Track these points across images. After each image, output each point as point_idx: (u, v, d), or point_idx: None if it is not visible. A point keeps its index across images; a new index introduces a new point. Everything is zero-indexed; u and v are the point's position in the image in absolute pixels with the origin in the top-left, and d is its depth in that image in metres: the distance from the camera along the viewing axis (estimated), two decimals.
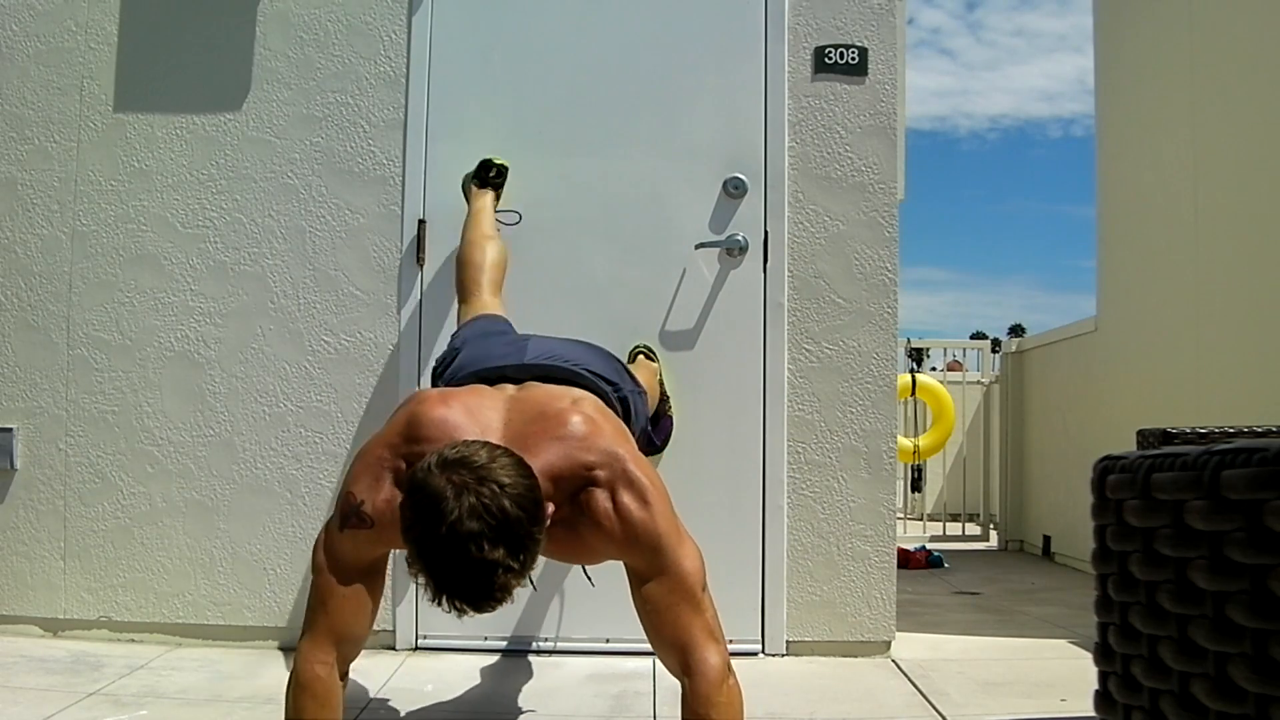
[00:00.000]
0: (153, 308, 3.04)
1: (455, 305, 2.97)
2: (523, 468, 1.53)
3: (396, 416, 1.78)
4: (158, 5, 3.09)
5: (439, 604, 1.47)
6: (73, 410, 3.03)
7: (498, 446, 1.55)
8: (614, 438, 1.73)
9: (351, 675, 2.65)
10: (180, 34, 3.07)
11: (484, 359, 2.06)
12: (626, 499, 1.65)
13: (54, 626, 2.99)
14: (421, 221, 3.00)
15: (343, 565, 1.68)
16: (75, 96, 3.08)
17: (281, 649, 2.91)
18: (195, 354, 3.02)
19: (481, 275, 2.62)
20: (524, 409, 1.76)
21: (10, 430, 3.02)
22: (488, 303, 2.57)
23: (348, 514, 1.66)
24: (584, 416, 1.72)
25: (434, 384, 2.23)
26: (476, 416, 1.71)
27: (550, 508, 1.58)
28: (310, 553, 1.83)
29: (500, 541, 1.44)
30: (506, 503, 1.45)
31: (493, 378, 1.95)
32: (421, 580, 1.48)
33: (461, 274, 2.68)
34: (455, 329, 2.53)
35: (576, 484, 1.66)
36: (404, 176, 3.01)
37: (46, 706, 2.30)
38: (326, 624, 1.69)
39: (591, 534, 1.67)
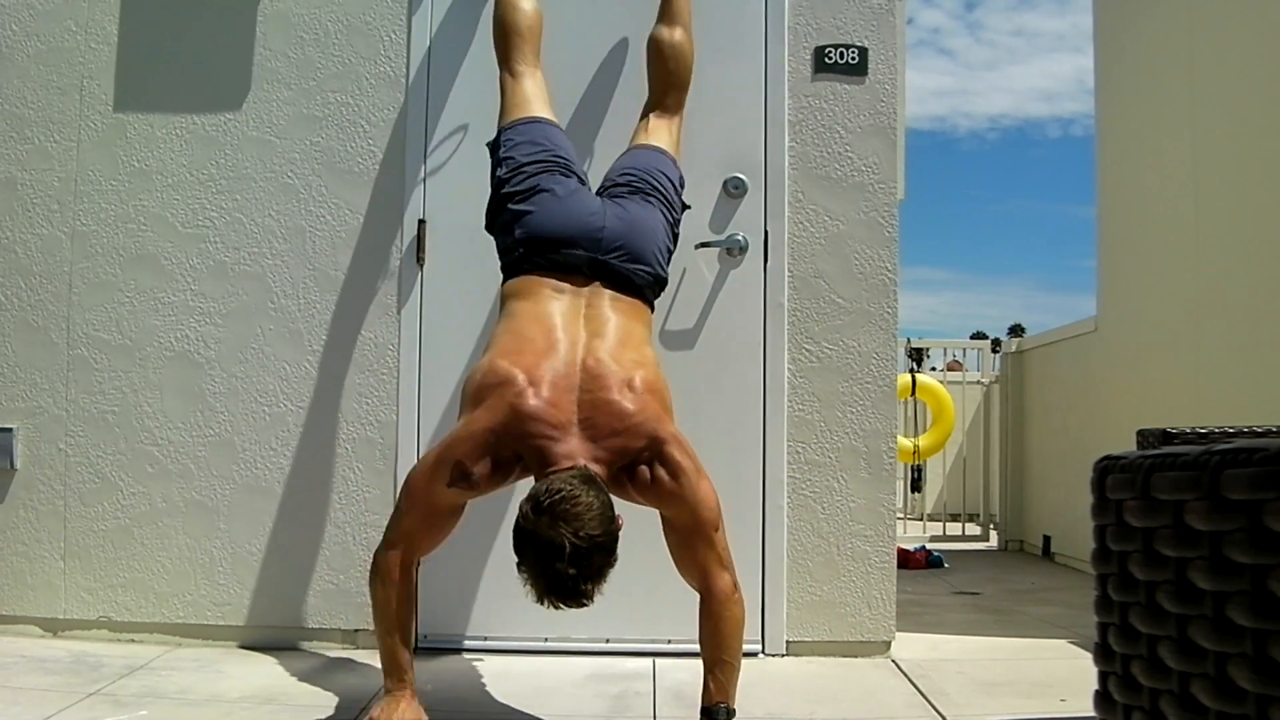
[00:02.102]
0: (153, 308, 3.03)
1: (457, 305, 2.98)
2: (607, 509, 1.99)
3: (496, 403, 2.13)
4: (158, 5, 3.09)
5: (541, 604, 1.97)
6: (73, 410, 3.03)
7: (591, 486, 1.99)
8: (658, 419, 2.17)
9: (353, 675, 2.67)
10: (180, 34, 3.07)
11: (563, 228, 2.40)
12: (661, 472, 2.13)
13: (54, 626, 2.99)
14: (421, 221, 3.00)
15: (437, 504, 2.18)
16: (75, 96, 3.08)
17: (282, 649, 2.91)
18: (195, 354, 3.02)
19: (523, 42, 2.69)
20: (593, 388, 2.16)
21: (10, 430, 3.02)
22: (529, 93, 2.64)
23: (458, 477, 2.12)
24: (639, 408, 2.15)
25: (496, 203, 2.52)
26: (560, 406, 2.12)
27: (620, 521, 2.03)
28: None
29: (590, 576, 1.94)
30: (595, 550, 1.93)
31: (569, 265, 2.38)
32: (529, 587, 1.96)
33: (500, 38, 2.72)
34: (503, 119, 2.62)
35: (626, 462, 2.13)
36: (404, 176, 3.01)
37: (46, 707, 2.30)
38: (413, 542, 2.19)
39: (634, 493, 2.16)
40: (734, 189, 2.96)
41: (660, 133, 2.70)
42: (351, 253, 3.02)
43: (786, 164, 2.97)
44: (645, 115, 2.76)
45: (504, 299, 2.43)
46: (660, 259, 2.48)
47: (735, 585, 2.17)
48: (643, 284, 2.43)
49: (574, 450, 2.08)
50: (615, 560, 1.99)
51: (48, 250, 3.06)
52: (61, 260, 3.06)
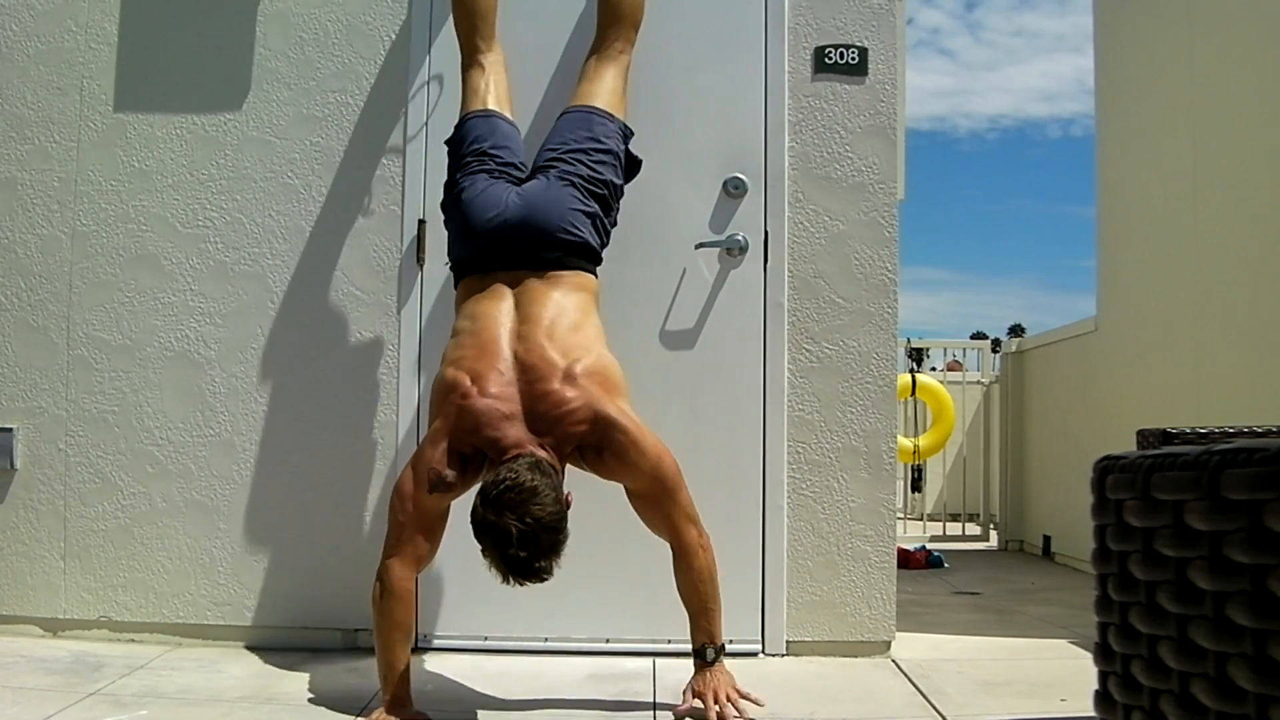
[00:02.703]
0: (153, 308, 3.04)
1: (455, 304, 2.98)
2: (552, 490, 2.15)
3: (447, 408, 2.31)
4: (158, 5, 3.10)
5: (506, 584, 2.15)
6: (73, 410, 3.03)
7: (536, 471, 2.15)
8: (598, 399, 2.30)
9: (353, 675, 2.67)
10: (180, 34, 3.08)
11: (472, 230, 2.52)
12: (608, 453, 2.30)
13: (54, 626, 2.99)
14: (421, 221, 3.00)
15: (425, 512, 2.30)
16: (75, 96, 3.08)
17: (282, 649, 2.91)
18: (195, 354, 3.02)
19: (481, 20, 2.76)
20: (531, 379, 2.31)
21: (10, 430, 3.02)
22: (478, 83, 2.73)
23: (436, 483, 2.28)
24: (578, 393, 2.29)
25: (447, 204, 2.63)
26: (504, 399, 2.29)
27: (570, 497, 2.20)
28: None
29: (542, 554, 2.12)
30: (542, 530, 2.10)
31: (488, 263, 2.50)
32: (493, 571, 2.15)
33: (459, 20, 2.79)
34: (461, 110, 2.72)
35: (574, 444, 2.30)
36: (404, 176, 3.01)
37: (46, 706, 2.30)
38: (412, 551, 2.31)
39: (589, 468, 2.35)
40: (734, 189, 2.96)
41: (601, 82, 2.72)
42: (351, 253, 3.02)
43: (786, 164, 2.97)
44: (589, 57, 2.78)
45: (455, 306, 2.59)
46: (572, 225, 2.51)
47: (701, 533, 2.35)
48: (556, 256, 2.49)
49: (523, 438, 2.26)
50: (566, 536, 2.16)
51: (48, 250, 3.06)
52: (61, 260, 3.06)
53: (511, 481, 2.12)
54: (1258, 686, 1.13)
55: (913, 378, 6.27)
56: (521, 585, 2.16)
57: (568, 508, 2.18)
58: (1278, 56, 3.36)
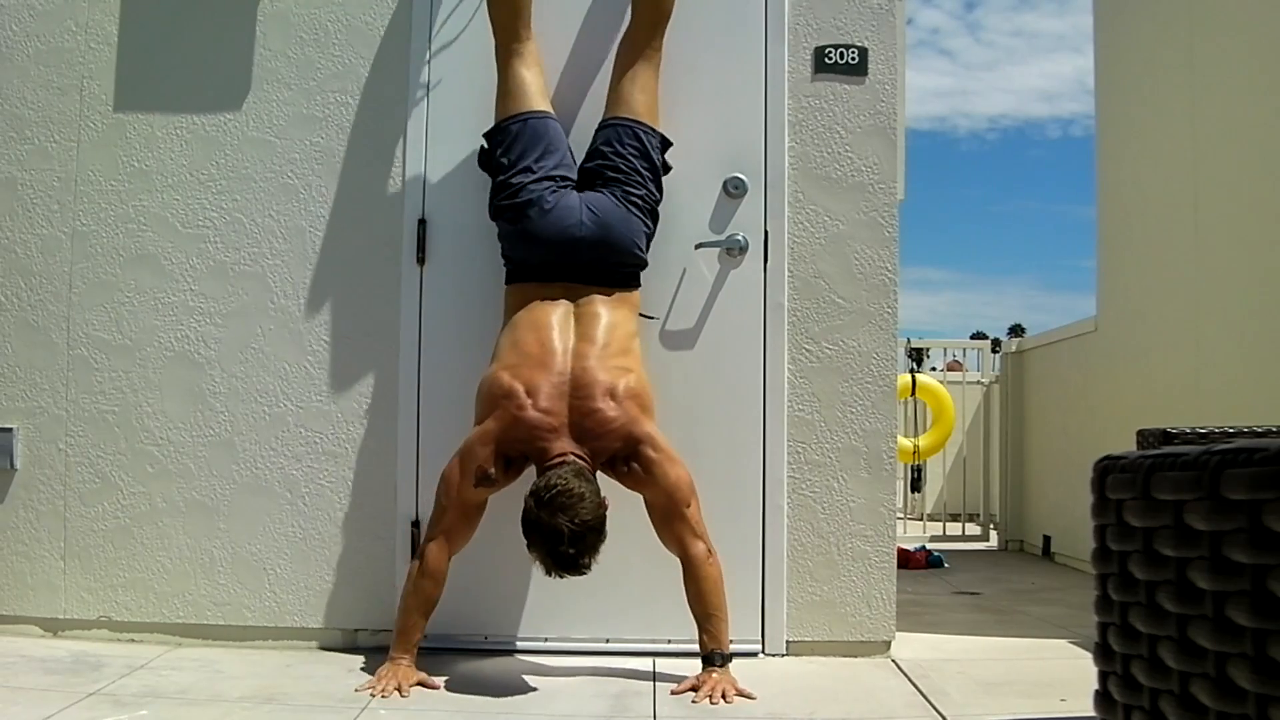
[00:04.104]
0: (153, 308, 3.03)
1: (457, 305, 2.98)
2: (595, 496, 2.41)
3: (502, 414, 2.54)
4: (158, 5, 3.09)
5: (549, 576, 2.41)
6: (73, 410, 3.03)
7: (581, 478, 2.41)
8: (635, 419, 2.55)
9: (351, 675, 2.66)
10: (180, 34, 3.07)
11: (547, 242, 2.69)
12: (636, 466, 2.54)
13: (54, 626, 2.99)
14: (421, 221, 3.00)
15: (467, 502, 2.57)
16: (75, 96, 3.08)
17: (282, 649, 2.91)
18: (195, 354, 3.02)
19: (523, 7, 2.81)
20: (579, 393, 2.54)
21: (10, 430, 3.02)
22: (524, 79, 2.79)
23: (481, 478, 2.54)
24: (619, 413, 2.54)
25: (495, 200, 2.76)
26: (554, 413, 2.52)
27: (606, 501, 2.45)
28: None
29: (586, 552, 2.38)
30: (588, 532, 2.36)
31: (556, 274, 2.71)
32: (537, 565, 2.41)
33: (495, 5, 2.83)
34: (499, 107, 2.80)
35: (608, 457, 2.56)
36: (404, 176, 3.01)
37: (46, 706, 2.30)
38: (451, 535, 2.57)
39: (614, 476, 2.58)
40: (734, 189, 2.96)
41: (643, 88, 2.82)
42: (351, 253, 3.02)
43: (786, 164, 2.97)
44: (628, 57, 2.85)
45: (505, 304, 2.76)
46: (638, 247, 2.75)
47: (709, 550, 2.56)
48: (623, 276, 2.74)
49: (566, 448, 2.50)
50: (605, 535, 2.41)
51: (48, 250, 3.06)
52: (61, 260, 3.06)
53: (563, 487, 2.36)
54: (1258, 686, 1.13)
55: (913, 378, 6.26)
56: (562, 578, 2.40)
57: (605, 510, 2.41)
58: (1278, 56, 3.36)
